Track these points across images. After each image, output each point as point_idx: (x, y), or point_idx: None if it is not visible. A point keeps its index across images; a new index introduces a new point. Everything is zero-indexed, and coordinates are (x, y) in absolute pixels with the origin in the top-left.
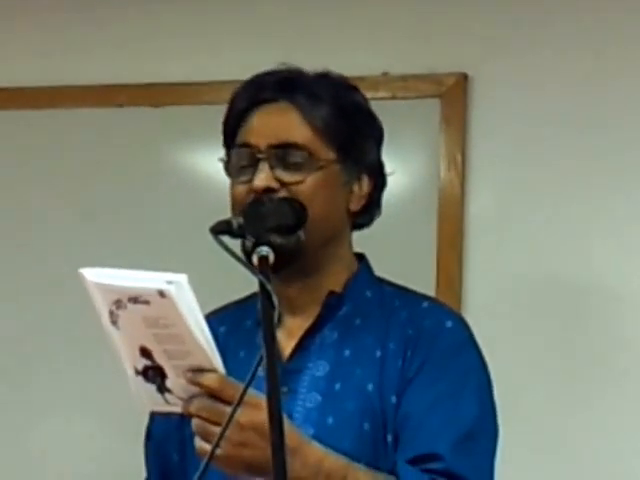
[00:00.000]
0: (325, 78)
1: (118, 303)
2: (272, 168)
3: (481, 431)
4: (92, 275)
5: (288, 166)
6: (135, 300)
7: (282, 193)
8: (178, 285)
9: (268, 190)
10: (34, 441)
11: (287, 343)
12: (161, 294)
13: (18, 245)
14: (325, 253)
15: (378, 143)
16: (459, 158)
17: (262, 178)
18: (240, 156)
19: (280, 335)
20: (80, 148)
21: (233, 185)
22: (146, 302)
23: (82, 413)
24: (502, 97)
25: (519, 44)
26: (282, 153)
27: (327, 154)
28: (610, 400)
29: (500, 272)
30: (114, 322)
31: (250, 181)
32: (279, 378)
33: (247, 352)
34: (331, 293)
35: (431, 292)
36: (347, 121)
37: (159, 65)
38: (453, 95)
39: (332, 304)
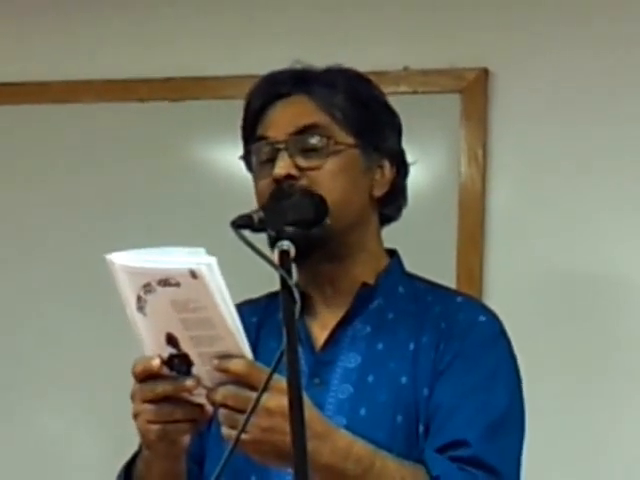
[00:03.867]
0: (338, 70)
1: (147, 287)
2: (291, 156)
3: (510, 421)
4: (121, 259)
5: (307, 152)
6: (165, 282)
7: (302, 181)
8: (209, 266)
9: (289, 177)
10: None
11: (321, 334)
12: (193, 274)
13: (35, 241)
14: (351, 239)
15: (397, 131)
16: (480, 153)
17: (282, 166)
18: (260, 150)
19: (315, 327)
20: (100, 143)
21: (256, 182)
22: (177, 284)
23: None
24: (523, 92)
25: (540, 39)
26: (300, 139)
27: (345, 138)
28: (631, 389)
29: (520, 267)
30: (141, 308)
31: (272, 174)
32: (303, 373)
33: (279, 343)
34: (364, 285)
35: (451, 287)
36: (363, 108)
37: (179, 59)
38: (474, 90)
39: (364, 296)
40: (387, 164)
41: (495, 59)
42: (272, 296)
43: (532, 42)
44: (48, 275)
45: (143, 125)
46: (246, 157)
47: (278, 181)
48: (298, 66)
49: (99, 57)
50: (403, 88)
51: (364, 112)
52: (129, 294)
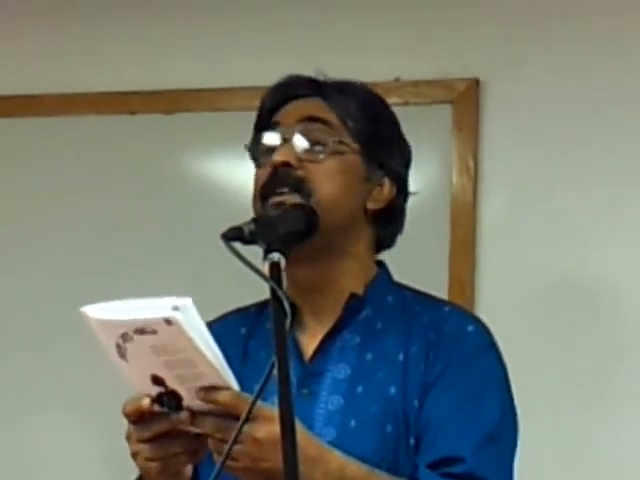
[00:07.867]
0: (356, 83)
1: (125, 336)
2: (294, 148)
3: (502, 433)
4: (95, 312)
5: (312, 143)
6: (142, 331)
7: (299, 171)
8: (184, 310)
9: (286, 165)
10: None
11: (309, 345)
12: (168, 322)
13: (29, 254)
14: (338, 243)
15: (406, 160)
16: (471, 163)
17: (281, 153)
18: (267, 138)
19: (303, 337)
20: (93, 155)
21: (257, 170)
22: (153, 332)
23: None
24: (514, 102)
25: (530, 49)
26: (308, 127)
27: (351, 144)
28: (626, 400)
29: (512, 276)
30: (122, 355)
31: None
32: (291, 384)
33: (267, 353)
34: (353, 296)
35: (443, 297)
36: (375, 122)
37: (172, 72)
38: (465, 100)
39: (353, 307)
40: (387, 183)
41: (486, 69)
42: (262, 305)
43: (523, 52)
44: (45, 286)
45: (136, 138)
46: (253, 148)
47: (275, 167)
48: (318, 74)
49: (91, 70)
50: (394, 99)
51: (375, 126)
52: (108, 343)
